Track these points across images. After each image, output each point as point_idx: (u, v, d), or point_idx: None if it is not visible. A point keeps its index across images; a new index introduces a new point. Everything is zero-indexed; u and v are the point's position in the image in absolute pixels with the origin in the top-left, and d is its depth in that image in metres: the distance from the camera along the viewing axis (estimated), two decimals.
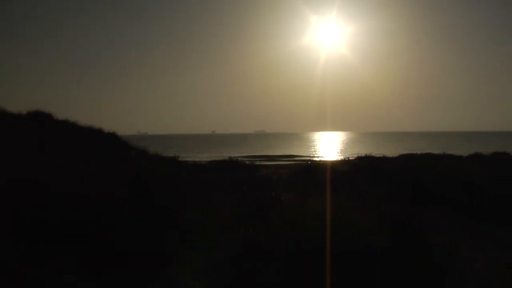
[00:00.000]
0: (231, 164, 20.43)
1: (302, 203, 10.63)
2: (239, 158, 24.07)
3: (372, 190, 14.38)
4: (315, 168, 18.13)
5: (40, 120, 27.63)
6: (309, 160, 29.60)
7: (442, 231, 10.87)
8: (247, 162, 22.81)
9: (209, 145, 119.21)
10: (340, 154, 67.30)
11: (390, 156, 24.27)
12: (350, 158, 26.65)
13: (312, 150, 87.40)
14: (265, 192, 12.60)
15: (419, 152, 25.90)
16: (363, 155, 23.40)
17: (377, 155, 22.96)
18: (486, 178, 14.86)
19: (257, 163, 31.39)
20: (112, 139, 30.47)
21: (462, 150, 46.78)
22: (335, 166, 18.56)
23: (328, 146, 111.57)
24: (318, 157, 59.75)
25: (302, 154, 64.69)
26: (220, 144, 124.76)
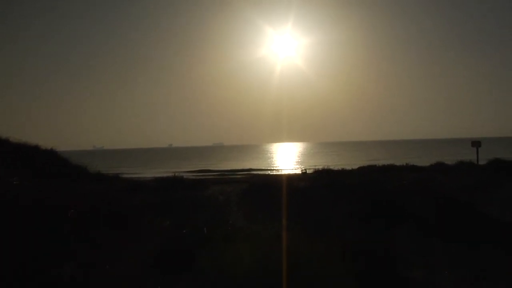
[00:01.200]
0: (175, 182, 18.33)
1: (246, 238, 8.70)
2: (187, 175, 22.09)
3: (331, 209, 12.66)
4: (268, 185, 16.28)
5: None
6: (264, 175, 27.77)
7: (413, 259, 9.19)
8: (195, 178, 20.71)
9: (164, 159, 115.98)
10: (298, 166, 66.06)
11: (349, 168, 22.84)
12: (307, 171, 25.00)
13: (270, 162, 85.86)
14: (202, 221, 10.57)
15: (378, 162, 24.50)
16: (320, 168, 21.85)
17: (335, 168, 21.48)
18: (453, 189, 13.39)
19: (210, 177, 29.40)
20: (49, 156, 28.00)
21: (422, 159, 46.30)
22: (291, 182, 16.76)
23: (286, 157, 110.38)
24: (275, 169, 58.11)
25: (259, 167, 62.84)
26: (175, 158, 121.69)
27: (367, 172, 19.02)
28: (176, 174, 20.54)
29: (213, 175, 42.73)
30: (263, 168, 60.30)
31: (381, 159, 61.27)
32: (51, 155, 27.73)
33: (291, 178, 19.76)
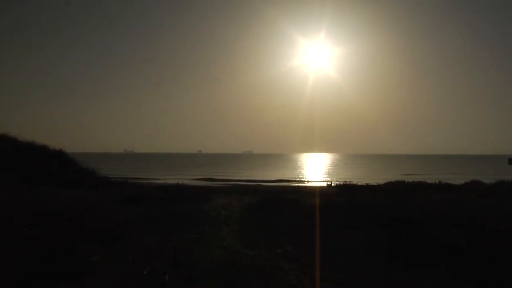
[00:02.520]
0: (178, 192, 16.51)
1: None
2: (201, 183, 20.20)
3: (344, 237, 10.58)
4: (277, 201, 14.27)
5: None
6: (279, 187, 25.71)
7: None
8: (205, 186, 18.87)
9: (189, 165, 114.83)
10: (324, 178, 63.67)
11: (375, 183, 20.66)
12: (332, 183, 22.81)
13: (296, 172, 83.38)
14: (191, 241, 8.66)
15: (409, 177, 22.09)
16: (342, 182, 19.72)
17: (360, 183, 19.32)
18: (493, 216, 11.12)
19: (223, 186, 27.54)
20: (56, 157, 26.59)
21: (456, 176, 43.39)
22: (305, 198, 14.72)
23: (314, 168, 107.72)
24: (300, 181, 55.83)
25: (284, 178, 60.62)
26: (201, 165, 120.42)
27: (393, 190, 16.81)
28: (181, 183, 18.67)
29: (229, 184, 40.59)
30: (288, 178, 57.87)
31: (413, 174, 58.36)
32: (59, 156, 26.26)
33: (309, 192, 17.68)
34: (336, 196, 15.13)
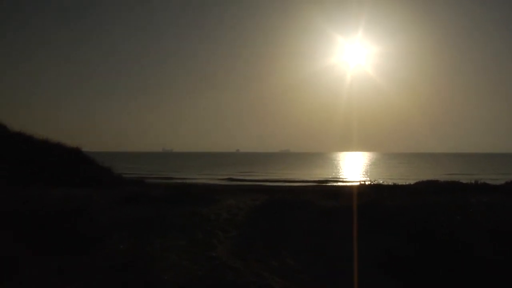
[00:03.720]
0: (183, 192, 15.09)
1: None
2: (225, 182, 18.77)
3: (353, 249, 8.87)
4: (286, 204, 12.63)
5: None
6: (295, 189, 23.97)
7: None
8: (220, 185, 17.44)
9: (223, 164, 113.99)
10: (360, 178, 61.17)
11: (405, 183, 18.70)
12: (365, 183, 20.90)
13: (332, 171, 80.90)
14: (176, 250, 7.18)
15: (450, 177, 19.94)
16: (368, 181, 17.89)
17: (385, 183, 17.40)
18: None
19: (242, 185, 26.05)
20: (71, 155, 25.69)
21: (498, 176, 40.25)
22: (317, 202, 13.03)
23: (350, 167, 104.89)
24: (334, 180, 53.52)
25: (319, 177, 58.48)
26: (237, 164, 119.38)
27: (423, 190, 14.86)
28: (194, 182, 17.24)
29: (250, 184, 38.66)
30: (320, 178, 55.57)
31: (454, 174, 55.39)
32: (75, 154, 25.32)
33: (325, 193, 15.92)
34: (357, 197, 13.34)
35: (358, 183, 19.15)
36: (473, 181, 16.10)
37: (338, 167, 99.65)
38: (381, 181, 18.81)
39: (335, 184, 38.27)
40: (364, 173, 74.34)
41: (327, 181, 49.45)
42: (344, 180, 51.19)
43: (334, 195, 14.56)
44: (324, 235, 9.70)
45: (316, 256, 8.57)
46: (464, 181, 16.42)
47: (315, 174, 66.70)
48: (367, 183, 17.54)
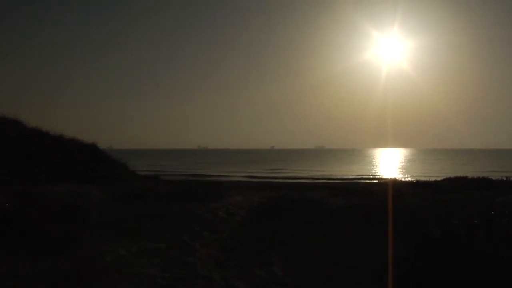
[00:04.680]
0: (187, 188, 14.17)
1: None
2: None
3: (356, 259, 7.67)
4: (288, 202, 11.49)
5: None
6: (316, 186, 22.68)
7: None
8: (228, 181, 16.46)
9: (256, 161, 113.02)
10: (401, 172, 58.97)
11: (428, 180, 17.24)
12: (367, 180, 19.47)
13: (366, 168, 78.58)
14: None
15: (480, 173, 18.35)
16: (383, 177, 16.55)
17: (405, 179, 16.02)
18: None
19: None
20: (87, 152, 25.18)
21: None
22: (326, 201, 11.84)
23: (385, 163, 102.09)
24: (367, 177, 51.47)
25: (350, 174, 56.64)
26: (269, 160, 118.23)
27: (447, 188, 13.42)
28: (204, 179, 16.31)
29: (272, 181, 36.97)
30: (351, 176, 53.67)
31: (492, 171, 52.68)
32: (90, 150, 24.76)
33: (334, 190, 14.65)
34: (370, 195, 12.07)
35: (377, 181, 17.73)
36: (504, 178, 14.53)
37: (371, 164, 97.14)
38: (405, 178, 17.38)
39: (358, 181, 36.37)
40: (397, 169, 72.04)
41: (354, 178, 46.87)
42: (370, 177, 48.62)
43: (348, 193, 13.31)
44: (325, 240, 8.54)
45: (310, 264, 7.42)
46: (494, 178, 14.91)
47: (345, 171, 64.66)
48: (386, 180, 16.23)
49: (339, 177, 46.86)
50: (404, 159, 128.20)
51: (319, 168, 70.73)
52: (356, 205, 10.27)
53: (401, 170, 70.41)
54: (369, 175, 50.99)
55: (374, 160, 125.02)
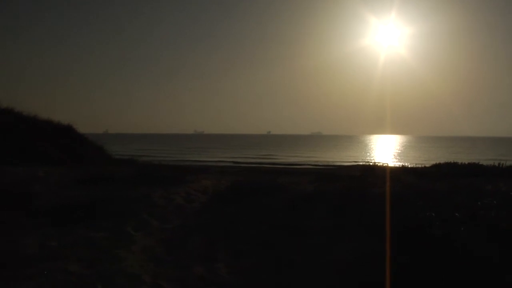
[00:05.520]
0: (151, 172, 13.02)
1: None
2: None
3: (324, 255, 6.53)
4: (263, 187, 10.33)
5: None
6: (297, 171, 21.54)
7: None
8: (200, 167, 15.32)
9: (248, 146, 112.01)
10: (394, 159, 57.81)
11: (415, 165, 16.11)
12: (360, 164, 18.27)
13: (359, 154, 77.45)
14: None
15: (470, 160, 17.17)
16: (369, 162, 15.38)
17: (391, 165, 14.83)
18: None
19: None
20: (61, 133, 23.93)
21: None
22: (297, 187, 10.69)
23: (380, 149, 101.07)
24: (356, 162, 50.21)
25: (345, 159, 55.55)
26: (263, 145, 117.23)
27: (434, 173, 12.28)
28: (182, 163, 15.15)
29: (255, 166, 35.65)
30: (343, 161, 52.56)
31: (489, 159, 51.41)
32: (64, 132, 23.47)
33: (317, 174, 13.48)
34: (349, 181, 10.91)
35: (363, 164, 16.51)
36: (496, 164, 13.33)
37: (365, 150, 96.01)
38: (394, 164, 16.20)
39: (344, 167, 34.85)
40: (390, 156, 70.96)
41: (341, 164, 44.85)
42: (359, 163, 46.80)
43: (325, 179, 12.15)
44: (284, 231, 7.37)
45: (260, 262, 6.27)
46: (485, 164, 13.76)
47: (336, 157, 63.51)
48: (370, 165, 15.09)
49: (327, 163, 45.43)
50: (400, 146, 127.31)
51: (310, 154, 69.41)
52: (329, 192, 9.09)
53: (395, 156, 69.40)
54: (358, 161, 49.42)
55: (368, 146, 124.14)
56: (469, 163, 14.06)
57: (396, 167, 15.12)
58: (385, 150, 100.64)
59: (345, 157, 60.80)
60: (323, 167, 34.23)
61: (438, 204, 6.92)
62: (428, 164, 18.37)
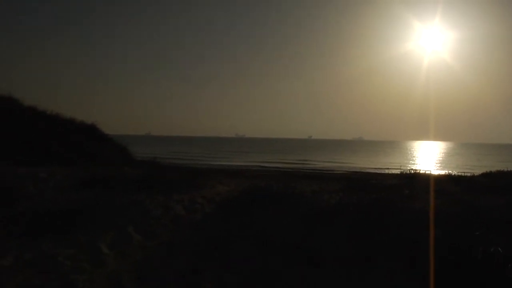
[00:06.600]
0: (156, 176, 11.60)
1: None
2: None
3: None
4: (276, 196, 8.70)
5: None
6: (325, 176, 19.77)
7: None
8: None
9: (289, 150, 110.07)
10: (436, 166, 54.83)
11: (462, 173, 14.12)
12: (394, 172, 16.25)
13: (399, 160, 74.19)
14: None
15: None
16: (409, 169, 13.50)
17: (433, 173, 12.91)
18: None
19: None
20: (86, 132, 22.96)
21: None
22: (317, 197, 9.00)
23: (421, 156, 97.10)
24: (397, 168, 47.25)
25: (382, 166, 52.94)
26: (300, 150, 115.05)
27: (484, 185, 10.34)
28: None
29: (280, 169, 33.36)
30: (380, 167, 49.86)
31: None
32: (88, 131, 22.47)
33: (358, 181, 11.69)
34: (381, 191, 9.13)
35: (402, 172, 14.56)
36: None
37: (406, 157, 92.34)
38: (437, 171, 14.25)
39: (380, 173, 32.21)
40: (433, 163, 67.62)
41: (376, 171, 41.17)
42: (396, 170, 43.21)
43: (355, 187, 10.40)
44: (292, 258, 5.73)
45: None
46: None
47: (374, 162, 60.70)
48: (410, 173, 13.21)
49: (363, 169, 42.63)
50: (443, 152, 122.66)
51: (348, 160, 66.73)
52: (355, 204, 7.36)
53: (438, 163, 66.11)
54: (398, 168, 46.12)
55: (410, 152, 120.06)
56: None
57: (440, 175, 13.21)
58: (428, 156, 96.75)
59: (384, 164, 57.96)
60: (357, 173, 31.83)
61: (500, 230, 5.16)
62: (475, 172, 16.33)
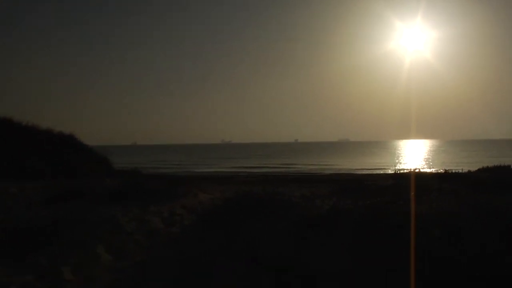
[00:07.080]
0: (133, 186, 10.72)
1: None
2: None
3: None
4: (262, 204, 7.89)
5: None
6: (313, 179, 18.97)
7: None
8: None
9: (272, 154, 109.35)
10: (426, 164, 54.30)
11: (460, 171, 13.42)
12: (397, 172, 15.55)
13: (385, 159, 73.69)
14: None
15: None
16: (402, 169, 12.79)
17: (430, 171, 12.21)
18: None
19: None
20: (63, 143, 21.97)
21: None
22: (307, 204, 8.21)
23: (406, 155, 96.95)
24: (378, 169, 46.95)
25: (365, 166, 52.46)
26: (284, 153, 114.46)
27: (489, 181, 9.65)
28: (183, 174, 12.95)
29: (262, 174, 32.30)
30: (370, 168, 49.35)
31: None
32: (64, 142, 21.46)
33: (347, 183, 10.93)
34: (377, 193, 8.38)
35: (393, 173, 13.79)
36: None
37: (394, 156, 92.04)
38: (431, 169, 13.56)
39: (371, 174, 31.37)
40: (422, 161, 67.22)
41: (368, 171, 40.09)
42: (387, 169, 42.63)
43: (349, 190, 9.64)
44: (287, 276, 4.92)
45: None
46: None
47: (361, 163, 59.90)
48: (406, 172, 12.50)
49: (351, 170, 41.67)
50: (430, 150, 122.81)
51: (335, 162, 65.97)
52: (349, 211, 6.57)
53: (427, 161, 65.70)
54: (387, 168, 45.37)
55: (397, 151, 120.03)
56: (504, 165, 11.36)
57: (438, 173, 12.51)
58: (415, 154, 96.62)
59: (373, 164, 57.38)
60: (350, 174, 30.84)
61: None
62: (471, 168, 15.65)
